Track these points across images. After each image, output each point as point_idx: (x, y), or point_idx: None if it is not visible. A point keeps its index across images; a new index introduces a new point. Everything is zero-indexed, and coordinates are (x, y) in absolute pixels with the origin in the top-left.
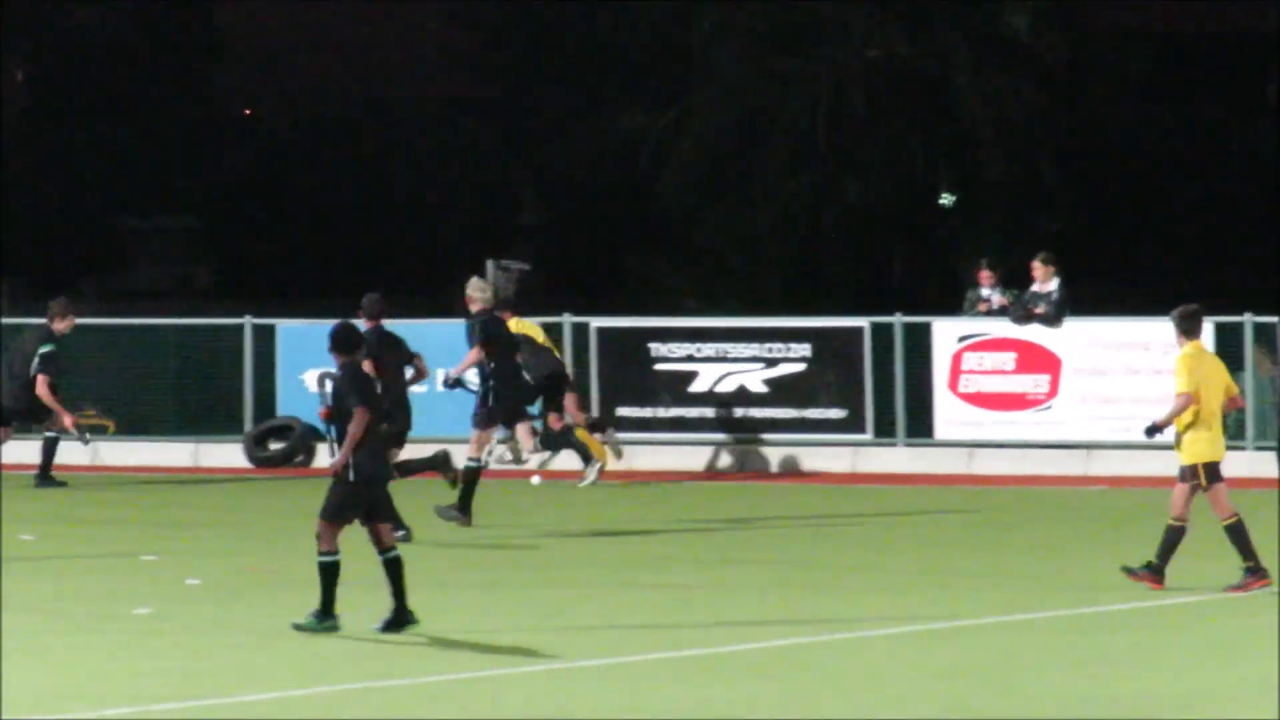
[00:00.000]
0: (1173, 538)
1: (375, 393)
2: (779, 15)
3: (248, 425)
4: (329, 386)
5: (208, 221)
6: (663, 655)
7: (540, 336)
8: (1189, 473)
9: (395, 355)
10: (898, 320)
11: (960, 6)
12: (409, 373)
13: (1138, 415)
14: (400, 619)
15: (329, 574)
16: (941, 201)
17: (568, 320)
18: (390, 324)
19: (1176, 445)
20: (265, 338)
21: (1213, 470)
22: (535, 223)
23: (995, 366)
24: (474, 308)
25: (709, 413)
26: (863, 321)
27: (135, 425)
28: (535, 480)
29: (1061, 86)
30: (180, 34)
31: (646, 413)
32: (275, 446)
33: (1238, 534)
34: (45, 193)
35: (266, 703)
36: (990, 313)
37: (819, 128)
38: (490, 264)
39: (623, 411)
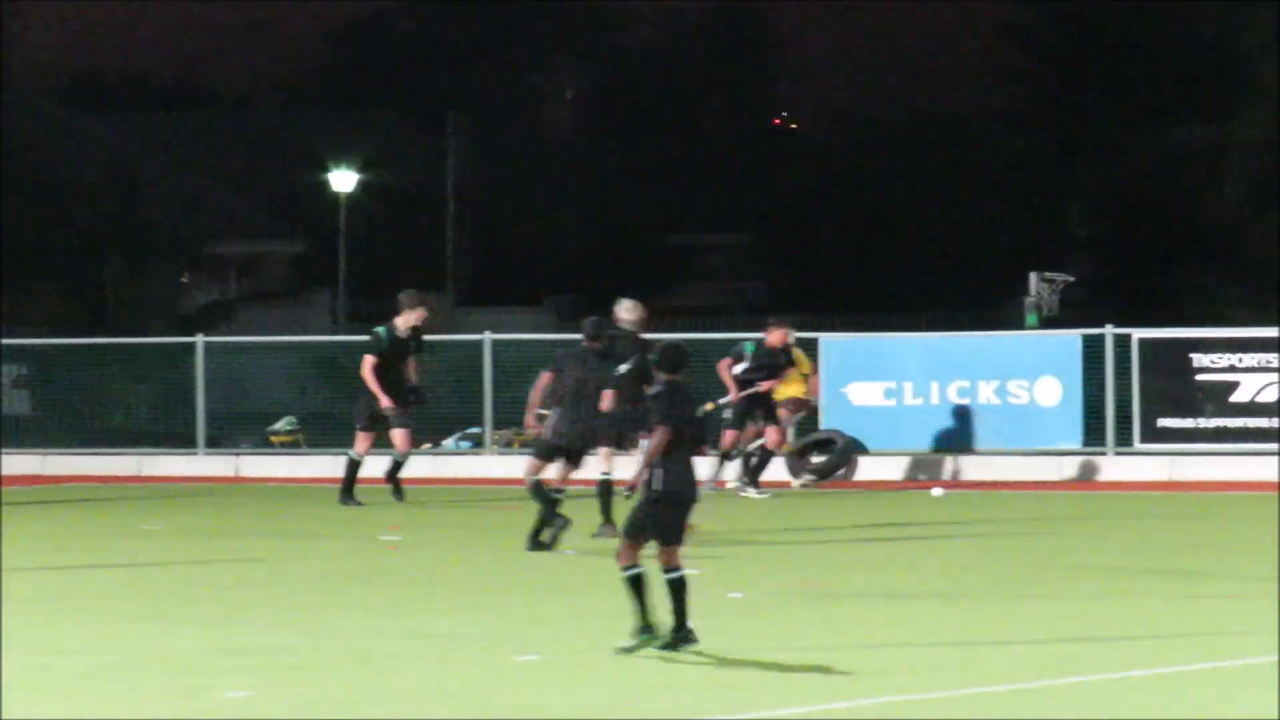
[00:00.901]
0: None
1: (690, 413)
2: None
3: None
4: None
5: (760, 237)
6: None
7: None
8: None
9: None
10: None
11: None
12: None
13: None
14: (679, 638)
15: (635, 585)
16: None
17: (1109, 331)
18: (937, 337)
19: None
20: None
21: None
22: (1086, 235)
23: None
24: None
25: (1251, 423)
26: None
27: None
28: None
29: None
30: (734, 49)
31: (1188, 423)
32: (817, 460)
33: None
34: (597, 209)
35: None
36: None
37: None
38: (1034, 275)
39: (1163, 422)
